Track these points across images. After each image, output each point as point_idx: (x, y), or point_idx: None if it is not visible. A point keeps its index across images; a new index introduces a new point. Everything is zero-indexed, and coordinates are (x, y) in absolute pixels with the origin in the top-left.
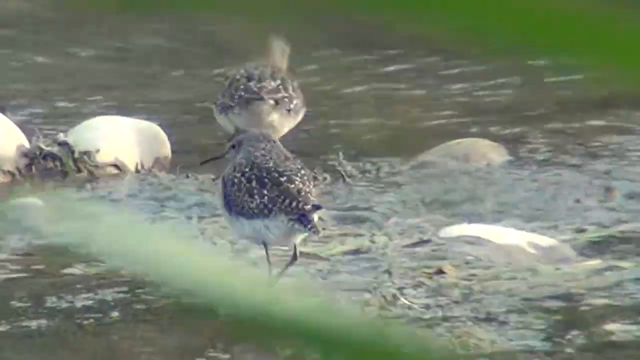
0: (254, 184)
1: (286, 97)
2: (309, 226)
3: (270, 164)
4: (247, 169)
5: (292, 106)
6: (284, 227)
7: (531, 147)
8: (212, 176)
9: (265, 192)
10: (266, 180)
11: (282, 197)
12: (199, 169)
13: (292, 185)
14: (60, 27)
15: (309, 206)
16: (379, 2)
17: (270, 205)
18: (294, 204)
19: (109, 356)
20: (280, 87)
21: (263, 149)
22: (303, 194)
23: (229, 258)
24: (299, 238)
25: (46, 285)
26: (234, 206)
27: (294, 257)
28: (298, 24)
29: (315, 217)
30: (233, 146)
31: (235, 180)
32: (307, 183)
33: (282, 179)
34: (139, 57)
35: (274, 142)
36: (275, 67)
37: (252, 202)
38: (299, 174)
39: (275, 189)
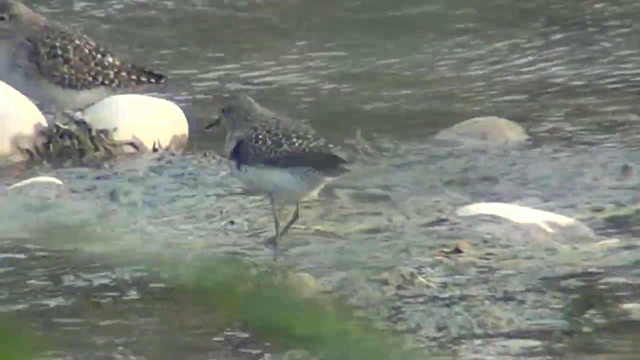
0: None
1: None
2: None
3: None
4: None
5: None
6: (315, 176)
7: (549, 126)
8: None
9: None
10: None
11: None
12: (216, 148)
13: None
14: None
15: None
16: None
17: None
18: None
19: (127, 334)
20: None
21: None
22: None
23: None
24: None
25: (64, 264)
26: (259, 156)
27: (296, 216)
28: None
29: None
30: (223, 110)
31: (265, 133)
32: None
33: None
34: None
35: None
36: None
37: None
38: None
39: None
